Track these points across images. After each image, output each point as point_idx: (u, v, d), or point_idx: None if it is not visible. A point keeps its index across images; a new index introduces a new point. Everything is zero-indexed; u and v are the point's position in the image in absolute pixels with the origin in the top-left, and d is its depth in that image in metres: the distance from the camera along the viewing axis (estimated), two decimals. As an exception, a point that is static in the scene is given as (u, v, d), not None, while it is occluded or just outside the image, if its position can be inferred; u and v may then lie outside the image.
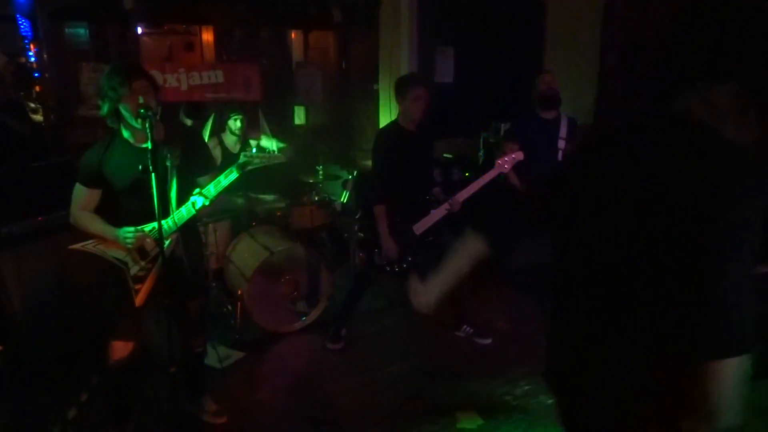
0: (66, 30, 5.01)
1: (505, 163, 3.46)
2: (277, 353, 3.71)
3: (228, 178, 2.37)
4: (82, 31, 5.15)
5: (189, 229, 2.54)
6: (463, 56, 5.70)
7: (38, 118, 5.64)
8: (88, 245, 2.44)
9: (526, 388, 3.25)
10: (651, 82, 5.06)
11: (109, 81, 2.26)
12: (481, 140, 5.51)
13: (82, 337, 3.36)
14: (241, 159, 2.37)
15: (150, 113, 2.17)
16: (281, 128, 6.32)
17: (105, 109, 2.31)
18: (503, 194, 4.02)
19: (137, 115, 2.22)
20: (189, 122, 4.75)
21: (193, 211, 2.39)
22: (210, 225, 4.05)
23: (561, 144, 3.98)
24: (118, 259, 2.43)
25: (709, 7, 4.43)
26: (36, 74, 5.40)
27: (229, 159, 4.36)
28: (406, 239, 3.49)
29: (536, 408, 3.07)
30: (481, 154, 5.46)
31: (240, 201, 4.38)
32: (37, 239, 3.33)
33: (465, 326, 3.85)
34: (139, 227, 2.40)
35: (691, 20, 4.41)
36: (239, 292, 3.83)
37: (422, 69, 5.52)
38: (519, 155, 3.48)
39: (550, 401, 3.12)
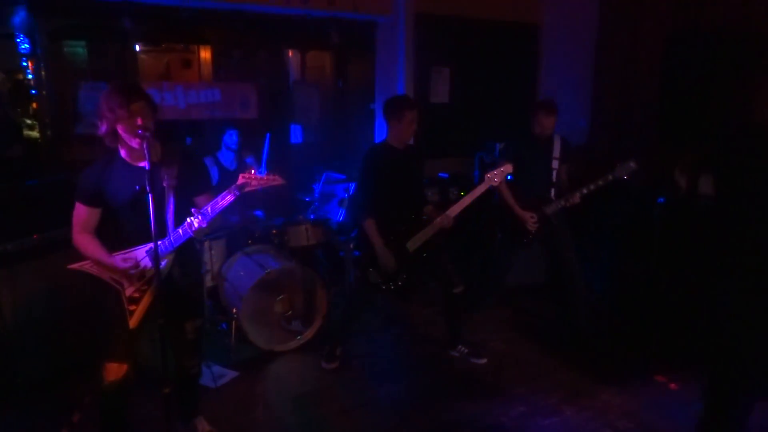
0: (64, 48, 5.04)
1: (495, 176, 3.49)
2: (272, 372, 3.69)
3: (226, 199, 2.36)
4: (80, 49, 5.18)
5: (187, 249, 2.53)
6: (459, 77, 5.76)
7: (35, 135, 5.64)
8: (86, 265, 2.44)
9: (522, 409, 3.24)
10: (644, 103, 5.12)
11: (108, 101, 2.27)
12: (477, 160, 5.55)
13: (76, 356, 3.34)
14: (240, 180, 2.35)
15: (148, 134, 2.19)
16: (278, 147, 6.34)
17: (103, 129, 2.32)
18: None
19: (135, 136, 2.24)
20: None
21: (190, 233, 2.38)
22: (206, 243, 4.05)
23: (555, 164, 4.01)
24: (114, 280, 2.43)
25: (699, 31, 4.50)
26: (33, 91, 5.41)
27: (226, 177, 4.37)
28: (400, 257, 3.50)
29: (532, 429, 3.06)
30: (476, 173, 5.50)
31: (235, 219, 4.38)
32: (32, 257, 3.32)
33: (460, 346, 3.85)
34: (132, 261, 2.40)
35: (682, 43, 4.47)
36: (234, 311, 3.82)
37: (418, 89, 5.57)
38: (508, 168, 3.51)
39: (546, 422, 3.11)
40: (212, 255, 4.18)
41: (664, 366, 3.64)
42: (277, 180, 2.36)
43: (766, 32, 4.18)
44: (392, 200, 3.50)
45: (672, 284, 4.08)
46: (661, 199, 3.94)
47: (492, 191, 3.76)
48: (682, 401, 3.27)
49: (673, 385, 3.49)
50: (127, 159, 2.42)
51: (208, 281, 4.16)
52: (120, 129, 2.29)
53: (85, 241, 2.44)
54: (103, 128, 2.31)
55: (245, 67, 6.11)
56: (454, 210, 3.50)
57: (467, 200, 3.51)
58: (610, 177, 3.76)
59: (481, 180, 3.54)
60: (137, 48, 5.61)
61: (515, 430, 3.05)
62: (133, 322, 2.42)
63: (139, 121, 2.22)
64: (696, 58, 4.58)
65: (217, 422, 2.99)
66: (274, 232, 4.41)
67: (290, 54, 6.80)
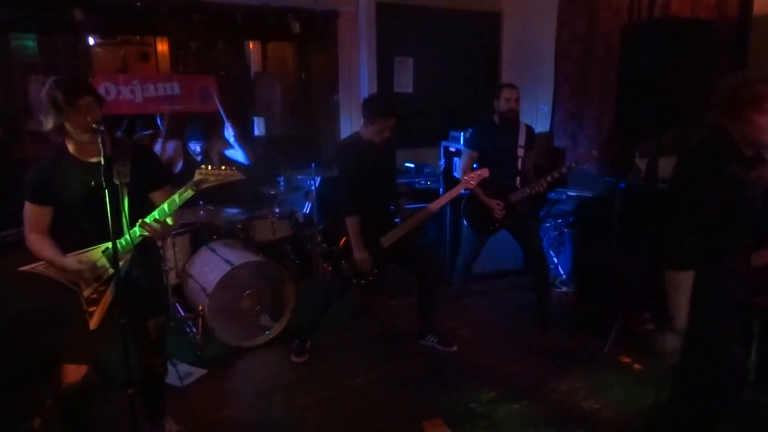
0: (12, 42, 4.84)
1: (471, 179, 3.53)
2: (241, 369, 3.64)
3: (183, 196, 2.30)
4: (30, 43, 4.97)
5: (145, 246, 2.46)
6: (422, 66, 5.76)
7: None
8: (39, 267, 2.34)
9: (492, 394, 3.28)
10: (603, 90, 5.22)
11: (53, 98, 2.17)
12: (442, 149, 5.57)
13: (33, 360, 3.23)
14: (197, 176, 2.29)
15: (102, 128, 2.12)
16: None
17: (49, 125, 2.22)
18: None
19: (87, 131, 2.16)
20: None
21: (146, 232, 2.30)
22: (169, 239, 3.96)
23: (520, 152, 4.06)
24: (70, 281, 2.35)
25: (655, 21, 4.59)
26: (-20, 87, 5.18)
27: (192, 165, 4.28)
28: (373, 252, 3.49)
29: (502, 414, 3.10)
30: (441, 162, 5.51)
31: (199, 214, 4.29)
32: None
33: (430, 335, 3.87)
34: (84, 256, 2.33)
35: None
36: (200, 308, 3.75)
37: (381, 79, 5.55)
38: (484, 172, 3.54)
39: (515, 407, 3.16)
40: (176, 251, 4.10)
41: (628, 348, 3.73)
42: (236, 175, 2.31)
43: (716, 21, 4.31)
44: (366, 195, 3.48)
45: (633, 267, 4.18)
46: (622, 185, 4.03)
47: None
48: (646, 381, 3.36)
49: (637, 366, 3.58)
50: (76, 155, 2.33)
51: (173, 278, 4.07)
52: (68, 125, 2.21)
53: (36, 241, 2.35)
54: (47, 125, 2.22)
55: (204, 59, 5.98)
56: (425, 214, 3.53)
57: (441, 202, 3.54)
58: (574, 164, 3.83)
59: (451, 173, 3.57)
60: (91, 41, 5.43)
61: (486, 415, 3.09)
62: (93, 324, 2.35)
63: (89, 118, 2.15)
64: (652, 47, 4.67)
65: (186, 421, 2.94)
66: (240, 226, 4.35)
67: (251, 45, 6.69)
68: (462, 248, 4.49)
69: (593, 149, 3.77)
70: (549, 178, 3.85)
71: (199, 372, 3.52)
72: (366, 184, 3.45)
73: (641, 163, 4.28)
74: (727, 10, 4.28)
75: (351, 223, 3.42)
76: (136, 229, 2.31)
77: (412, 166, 5.63)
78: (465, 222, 4.29)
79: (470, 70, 6.00)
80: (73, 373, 2.38)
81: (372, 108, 3.41)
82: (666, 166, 4.18)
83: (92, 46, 5.66)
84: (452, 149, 5.36)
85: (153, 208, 2.35)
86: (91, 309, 2.34)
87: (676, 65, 4.28)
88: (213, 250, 4.03)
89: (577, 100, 5.42)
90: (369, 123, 3.40)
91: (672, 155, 4.27)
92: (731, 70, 4.24)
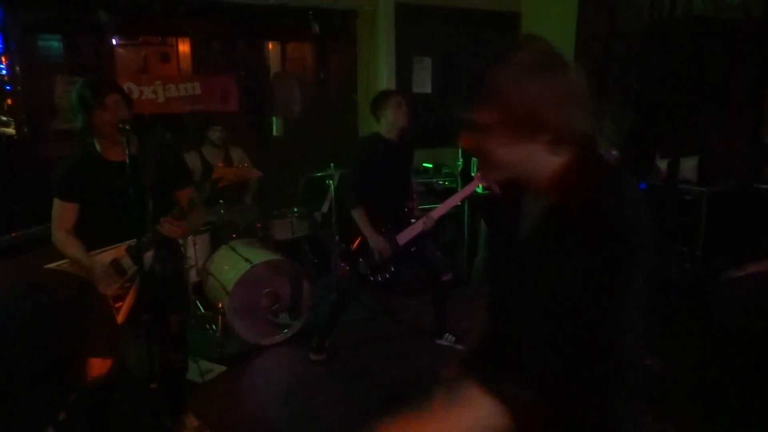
0: (39, 42, 4.94)
1: None
2: (260, 366, 3.68)
3: (201, 195, 2.34)
4: (55, 43, 5.07)
5: (167, 243, 2.50)
6: (441, 66, 5.75)
7: (10, 131, 5.53)
8: (64, 265, 2.40)
9: (509, 394, 3.27)
10: (622, 90, 5.17)
11: (82, 96, 2.24)
12: (459, 150, 5.55)
13: (58, 355, 3.29)
14: (215, 174, 2.34)
15: (128, 127, 2.16)
16: (259, 140, 6.28)
17: (78, 124, 2.29)
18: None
19: (115, 129, 2.20)
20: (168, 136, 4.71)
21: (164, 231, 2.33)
22: (189, 238, 4.02)
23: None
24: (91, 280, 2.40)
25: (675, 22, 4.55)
26: (8, 87, 5.29)
27: (210, 173, 4.33)
28: (391, 249, 3.50)
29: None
30: (459, 163, 5.50)
31: (220, 213, 4.34)
32: (10, 255, 3.26)
33: (447, 334, 3.87)
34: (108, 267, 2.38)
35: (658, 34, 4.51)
36: (220, 305, 3.79)
37: (400, 79, 5.55)
38: None
39: (533, 407, 3.14)
40: (196, 250, 4.15)
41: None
42: (253, 171, 2.35)
43: (740, 21, 4.24)
44: (383, 192, 3.49)
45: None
46: (643, 185, 3.99)
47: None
48: (657, 379, 3.32)
49: (648, 363, 3.53)
50: (104, 154, 2.38)
51: (194, 276, 4.12)
52: (96, 123, 2.26)
53: (63, 238, 2.40)
54: (77, 124, 2.28)
55: (225, 59, 6.05)
56: (438, 212, 3.52)
57: (454, 201, 3.53)
58: None
59: (469, 174, 3.55)
60: (114, 42, 5.52)
61: (503, 415, 3.08)
62: (120, 318, 2.40)
63: (117, 114, 2.20)
64: (673, 47, 4.63)
65: (206, 417, 2.98)
66: (259, 225, 4.39)
67: (270, 46, 6.74)
68: (480, 248, 4.48)
69: (613, 149, 3.73)
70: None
71: (219, 368, 3.56)
72: (377, 180, 3.46)
73: (662, 164, 4.23)
74: (752, 10, 4.21)
75: (357, 215, 3.43)
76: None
77: (430, 166, 5.63)
78: (483, 222, 4.28)
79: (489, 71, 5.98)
80: (98, 366, 2.43)
81: (380, 96, 3.50)
82: (687, 166, 4.15)
83: (115, 47, 5.75)
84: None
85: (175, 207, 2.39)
86: (117, 305, 2.39)
87: (698, 65, 4.23)
88: (233, 249, 4.07)
89: (597, 100, 5.37)
90: (385, 109, 3.45)
91: (693, 155, 4.24)
92: (755, 70, 4.19)
